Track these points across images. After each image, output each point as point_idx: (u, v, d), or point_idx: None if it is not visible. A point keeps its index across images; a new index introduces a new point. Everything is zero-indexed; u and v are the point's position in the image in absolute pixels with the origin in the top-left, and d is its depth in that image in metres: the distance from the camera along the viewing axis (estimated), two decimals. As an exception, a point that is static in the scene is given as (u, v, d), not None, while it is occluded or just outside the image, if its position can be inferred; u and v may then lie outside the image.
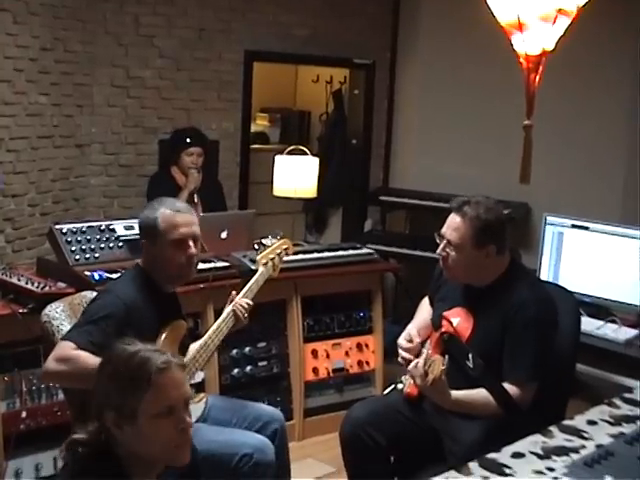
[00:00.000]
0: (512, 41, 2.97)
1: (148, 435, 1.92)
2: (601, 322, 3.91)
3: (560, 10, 2.83)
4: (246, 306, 3.23)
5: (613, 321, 3.92)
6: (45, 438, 3.52)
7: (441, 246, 3.01)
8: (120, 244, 4.00)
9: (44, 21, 4.81)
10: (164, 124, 5.59)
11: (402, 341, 3.14)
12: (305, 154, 5.24)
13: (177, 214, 2.97)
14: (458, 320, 3.02)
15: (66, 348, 2.70)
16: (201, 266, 4.00)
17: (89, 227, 3.97)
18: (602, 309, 4.02)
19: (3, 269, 3.77)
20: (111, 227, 4.02)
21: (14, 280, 3.61)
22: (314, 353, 4.53)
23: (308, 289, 4.50)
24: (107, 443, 1.95)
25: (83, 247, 3.87)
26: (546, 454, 2.30)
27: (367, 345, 4.71)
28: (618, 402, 2.74)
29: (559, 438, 2.42)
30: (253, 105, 6.27)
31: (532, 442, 2.38)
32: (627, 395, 2.81)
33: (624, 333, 3.82)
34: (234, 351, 4.22)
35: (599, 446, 2.35)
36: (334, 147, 6.91)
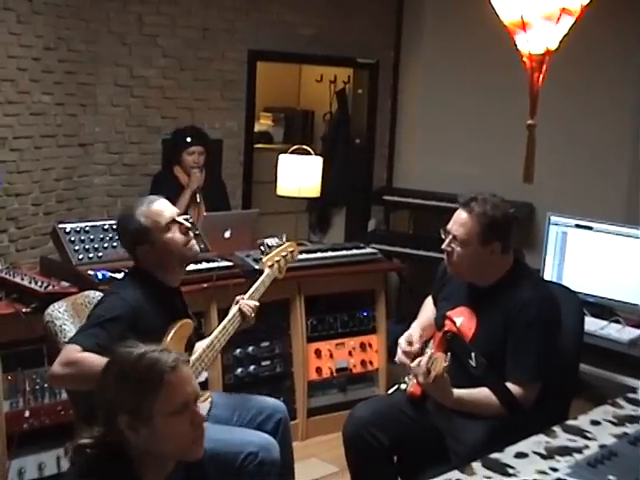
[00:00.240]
0: (516, 40, 2.96)
1: (164, 433, 1.94)
2: (605, 322, 3.90)
3: (564, 9, 2.82)
4: (253, 306, 3.23)
5: (617, 321, 3.92)
6: (48, 437, 3.53)
7: (446, 241, 3.00)
8: (121, 242, 3.99)
9: (48, 20, 4.82)
10: (168, 123, 5.58)
11: (402, 342, 3.14)
12: (309, 154, 5.24)
13: (152, 204, 2.98)
14: (461, 319, 3.01)
15: (72, 351, 2.69)
16: (204, 266, 4.02)
17: (92, 226, 3.97)
18: (606, 309, 4.02)
19: (7, 268, 3.78)
20: (114, 226, 4.01)
21: (17, 279, 3.61)
22: (317, 353, 4.53)
23: (311, 289, 4.50)
24: (117, 446, 1.95)
25: (86, 246, 3.87)
26: (549, 454, 2.30)
27: (370, 345, 4.71)
28: (622, 402, 2.74)
29: (562, 438, 2.42)
30: (257, 104, 6.27)
31: (535, 442, 2.38)
32: (631, 395, 2.80)
33: (628, 333, 3.82)
34: (237, 350, 4.22)
35: (602, 446, 2.35)
36: (338, 147, 6.91)
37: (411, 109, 6.53)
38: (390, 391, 3.19)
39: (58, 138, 5.03)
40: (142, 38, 5.46)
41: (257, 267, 4.00)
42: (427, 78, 6.36)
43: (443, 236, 3.02)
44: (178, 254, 2.98)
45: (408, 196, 6.12)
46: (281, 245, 3.62)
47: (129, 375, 1.97)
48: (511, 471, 2.18)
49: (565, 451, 2.31)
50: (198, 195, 5.04)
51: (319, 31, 6.16)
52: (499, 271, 3.00)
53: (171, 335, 2.86)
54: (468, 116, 6.06)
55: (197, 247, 3.07)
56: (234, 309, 3.21)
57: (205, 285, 3.95)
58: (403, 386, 3.11)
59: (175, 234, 2.96)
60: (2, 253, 4.59)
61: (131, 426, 1.93)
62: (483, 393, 2.87)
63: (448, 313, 3.05)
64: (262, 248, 3.60)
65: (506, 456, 2.27)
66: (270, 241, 3.95)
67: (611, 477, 2.12)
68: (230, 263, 4.17)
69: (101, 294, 3.09)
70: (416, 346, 3.11)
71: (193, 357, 2.96)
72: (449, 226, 3.01)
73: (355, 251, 4.77)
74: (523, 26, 2.87)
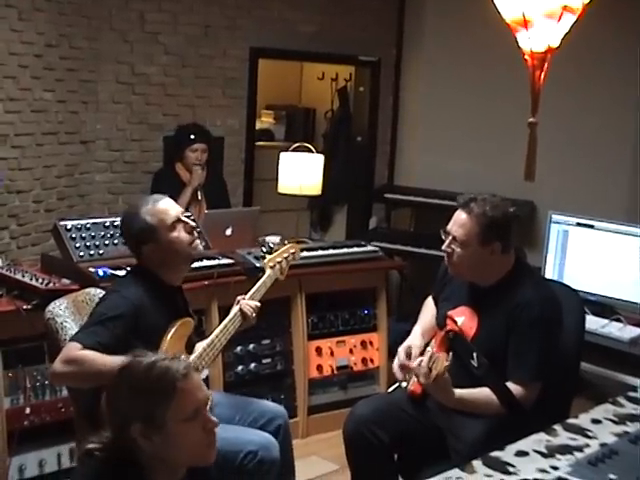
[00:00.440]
0: (517, 38, 2.96)
1: (178, 440, 1.95)
2: (606, 321, 3.90)
3: (565, 7, 2.81)
4: (254, 307, 3.23)
5: (618, 320, 3.92)
6: (49, 434, 3.53)
7: (446, 242, 3.00)
8: (124, 241, 3.99)
9: (49, 17, 4.81)
10: (169, 121, 5.58)
11: (401, 353, 3.11)
12: (310, 151, 5.24)
13: (158, 203, 2.98)
14: (463, 319, 3.01)
15: (73, 349, 2.69)
16: (205, 263, 4.02)
17: (94, 224, 3.97)
18: (607, 308, 4.02)
19: (7, 265, 3.78)
20: (115, 224, 4.00)
21: (18, 276, 3.61)
22: (318, 350, 4.53)
23: (312, 286, 4.49)
24: (127, 451, 1.95)
25: (87, 244, 3.88)
26: (550, 453, 2.30)
27: (371, 343, 4.71)
28: (622, 401, 2.74)
29: (563, 437, 2.42)
30: (258, 102, 6.27)
31: (536, 441, 2.38)
32: (631, 394, 2.80)
33: (629, 332, 3.82)
34: (238, 348, 4.22)
35: (603, 445, 2.35)
36: (339, 144, 6.91)
37: (413, 107, 6.53)
38: (391, 389, 3.18)
39: (59, 135, 5.03)
40: (144, 35, 5.46)
41: (258, 265, 4.00)
42: (429, 76, 6.35)
43: (443, 237, 3.02)
44: (183, 253, 2.99)
45: (409, 194, 6.12)
46: (283, 246, 3.63)
47: (141, 385, 1.97)
48: (512, 469, 2.19)
49: (566, 450, 2.31)
50: (199, 192, 5.04)
51: (321, 28, 6.16)
52: (500, 271, 3.00)
53: (171, 333, 2.87)
54: (469, 114, 6.06)
55: (201, 246, 3.08)
56: (235, 309, 3.21)
57: (206, 282, 3.95)
58: (404, 384, 3.11)
59: (180, 233, 2.97)
60: (3, 250, 4.59)
61: (144, 434, 1.93)
62: (484, 393, 2.86)
63: (449, 313, 3.05)
64: (263, 246, 3.61)
65: (507, 454, 2.27)
66: (271, 239, 3.96)
67: (612, 476, 2.12)
68: (231, 261, 4.17)
69: (102, 291, 3.10)
70: (414, 363, 3.04)
71: (193, 356, 2.96)
72: (449, 227, 3.00)
73: (356, 249, 4.77)
74: (525, 24, 2.86)
